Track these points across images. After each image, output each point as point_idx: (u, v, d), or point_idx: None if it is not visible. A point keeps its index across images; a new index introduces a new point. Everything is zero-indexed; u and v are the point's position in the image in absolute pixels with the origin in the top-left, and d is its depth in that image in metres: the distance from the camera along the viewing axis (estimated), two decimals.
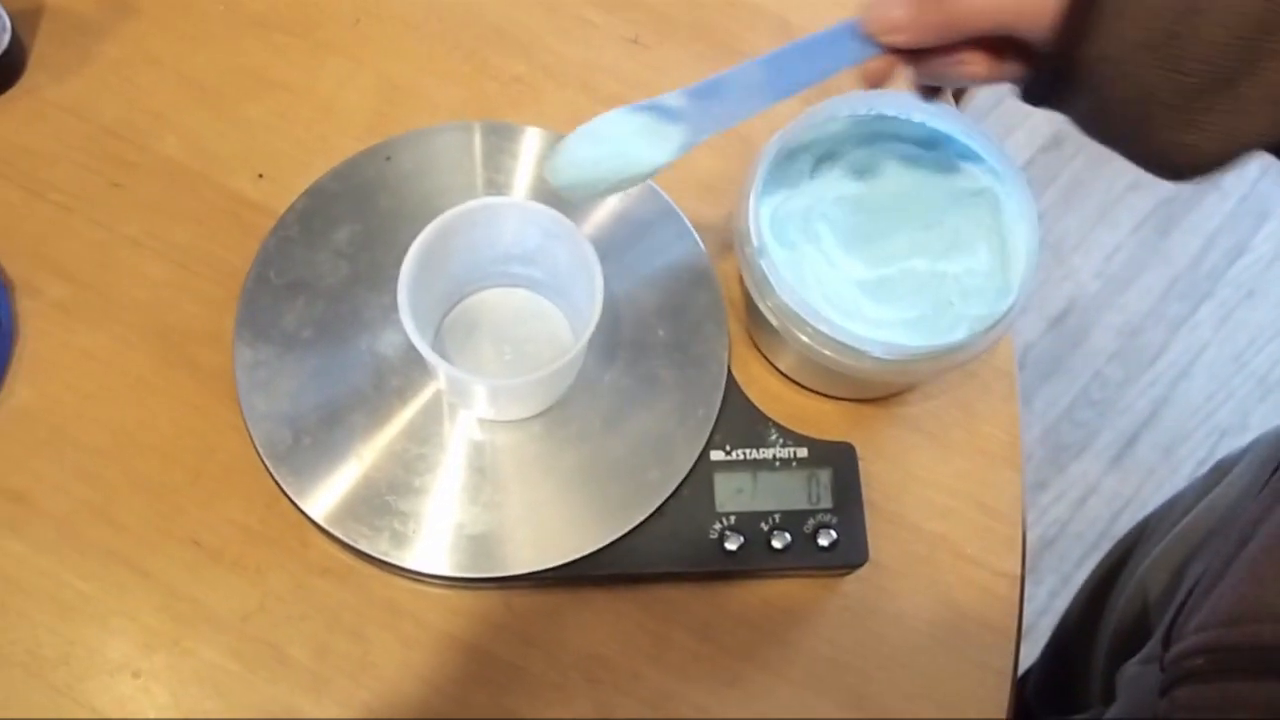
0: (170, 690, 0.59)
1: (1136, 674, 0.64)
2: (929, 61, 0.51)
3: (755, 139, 0.73)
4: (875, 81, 0.52)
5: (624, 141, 0.52)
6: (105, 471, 0.63)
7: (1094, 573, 0.91)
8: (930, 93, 0.57)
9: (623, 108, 0.52)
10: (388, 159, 0.68)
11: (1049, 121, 1.83)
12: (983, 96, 1.81)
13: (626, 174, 0.52)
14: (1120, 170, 1.72)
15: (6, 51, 0.70)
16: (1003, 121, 1.83)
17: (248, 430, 0.62)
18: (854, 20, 0.50)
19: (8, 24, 0.70)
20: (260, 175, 0.70)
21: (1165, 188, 1.73)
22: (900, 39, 0.50)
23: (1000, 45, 0.49)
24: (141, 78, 0.73)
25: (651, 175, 0.53)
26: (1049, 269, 1.72)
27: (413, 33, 0.76)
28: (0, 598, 0.60)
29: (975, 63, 0.50)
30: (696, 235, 0.68)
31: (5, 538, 0.61)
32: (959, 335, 0.60)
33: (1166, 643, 0.60)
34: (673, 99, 0.52)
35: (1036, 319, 1.70)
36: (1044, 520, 1.59)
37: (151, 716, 0.59)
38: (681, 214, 0.68)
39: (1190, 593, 0.61)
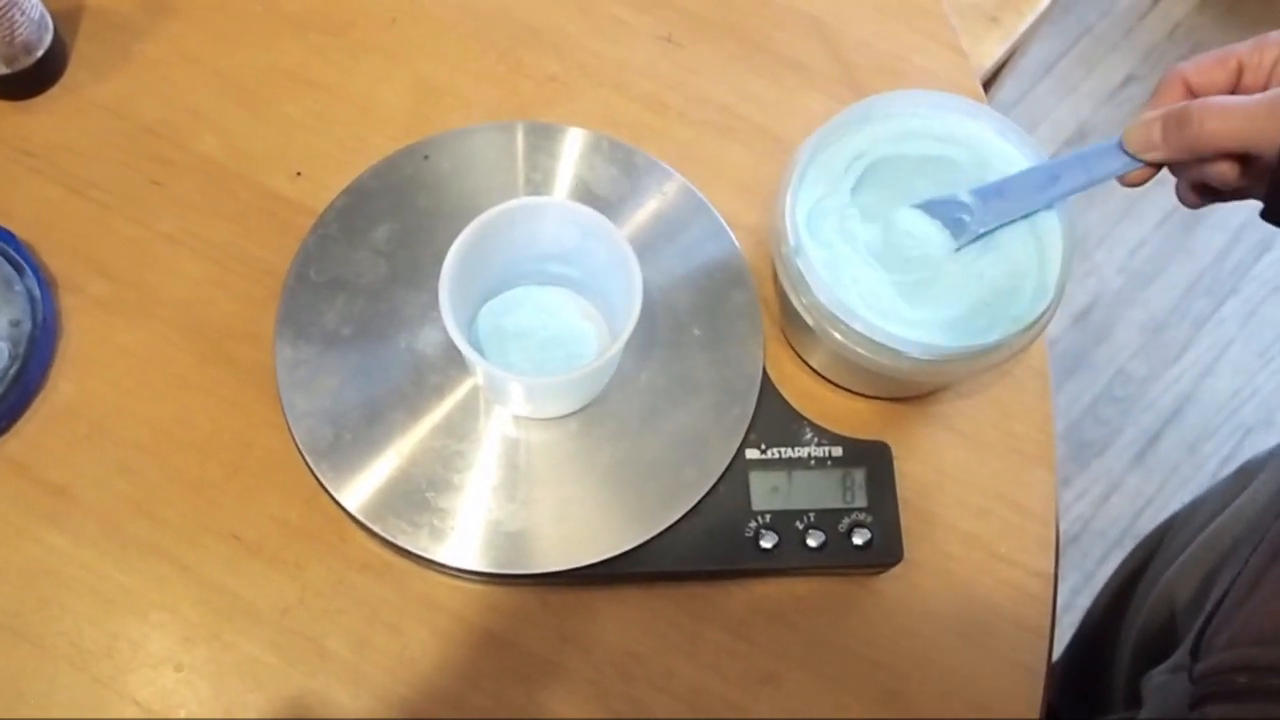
0: (211, 683, 0.60)
1: (1164, 683, 0.64)
2: (1185, 170, 0.59)
3: (789, 139, 0.74)
4: (1136, 183, 0.60)
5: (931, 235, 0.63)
6: (145, 466, 0.64)
7: (1116, 573, 0.91)
8: (1194, 196, 0.61)
9: (918, 205, 0.64)
10: (426, 158, 0.68)
11: (1073, 115, 1.83)
12: (1007, 90, 1.81)
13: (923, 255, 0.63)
14: None
15: (49, 50, 0.70)
16: (1027, 116, 1.82)
17: (287, 426, 0.62)
18: (1117, 140, 0.59)
19: (50, 23, 0.71)
20: (298, 174, 0.71)
21: None
22: (1155, 156, 0.57)
23: (1246, 158, 0.55)
24: (180, 77, 0.73)
25: (947, 256, 0.63)
26: None
27: (448, 32, 0.76)
28: (43, 591, 0.61)
29: (1226, 170, 0.55)
30: (732, 234, 0.68)
31: (48, 531, 0.62)
32: (995, 336, 0.60)
33: (1195, 653, 0.60)
34: (964, 196, 0.62)
35: (1060, 315, 1.70)
36: (1067, 517, 1.59)
37: (194, 709, 0.60)
38: (717, 213, 0.69)
39: (1219, 603, 0.61)
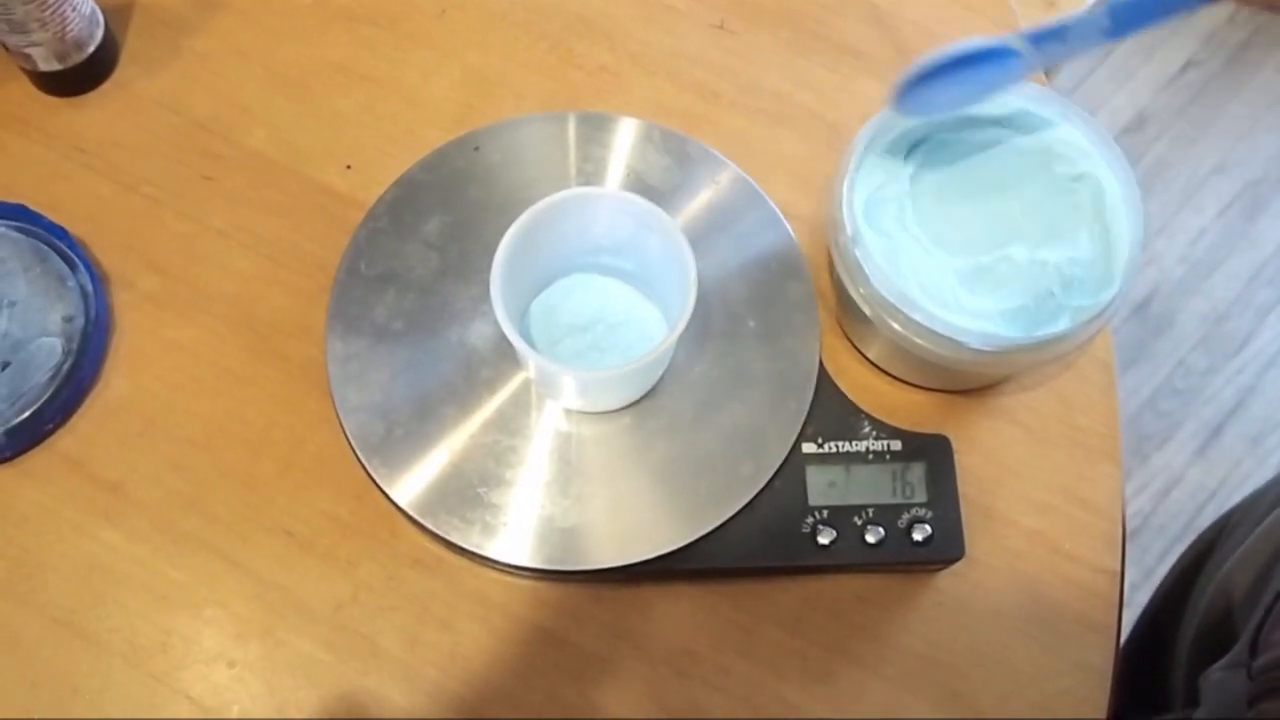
0: (264, 680, 0.60)
1: (1222, 679, 0.63)
2: None
3: (845, 126, 0.73)
4: None
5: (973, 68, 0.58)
6: (197, 462, 0.64)
7: (1175, 567, 0.89)
8: None
9: (971, 40, 0.58)
10: (476, 150, 0.68)
11: (1132, 102, 1.79)
12: (1063, 77, 1.78)
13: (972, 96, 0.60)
14: (1205, 152, 1.68)
15: (100, 46, 0.70)
16: (1085, 103, 1.79)
17: (339, 421, 0.62)
18: None
19: (101, 19, 0.71)
20: (348, 167, 0.71)
21: (1252, 170, 1.69)
22: None
23: None
24: (230, 71, 0.73)
25: (991, 96, 0.59)
26: None
27: (498, 23, 0.76)
28: (98, 587, 0.61)
29: None
30: (787, 224, 0.67)
31: (102, 527, 0.62)
32: (1060, 326, 0.59)
33: (1254, 649, 0.59)
34: (1015, 40, 0.57)
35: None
36: (1126, 512, 1.56)
37: (246, 705, 0.59)
38: (772, 203, 0.67)
39: (1278, 596, 0.59)
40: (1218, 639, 0.69)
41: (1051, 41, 0.57)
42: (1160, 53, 1.83)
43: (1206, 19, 1.86)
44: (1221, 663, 0.63)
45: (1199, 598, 0.77)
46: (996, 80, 0.60)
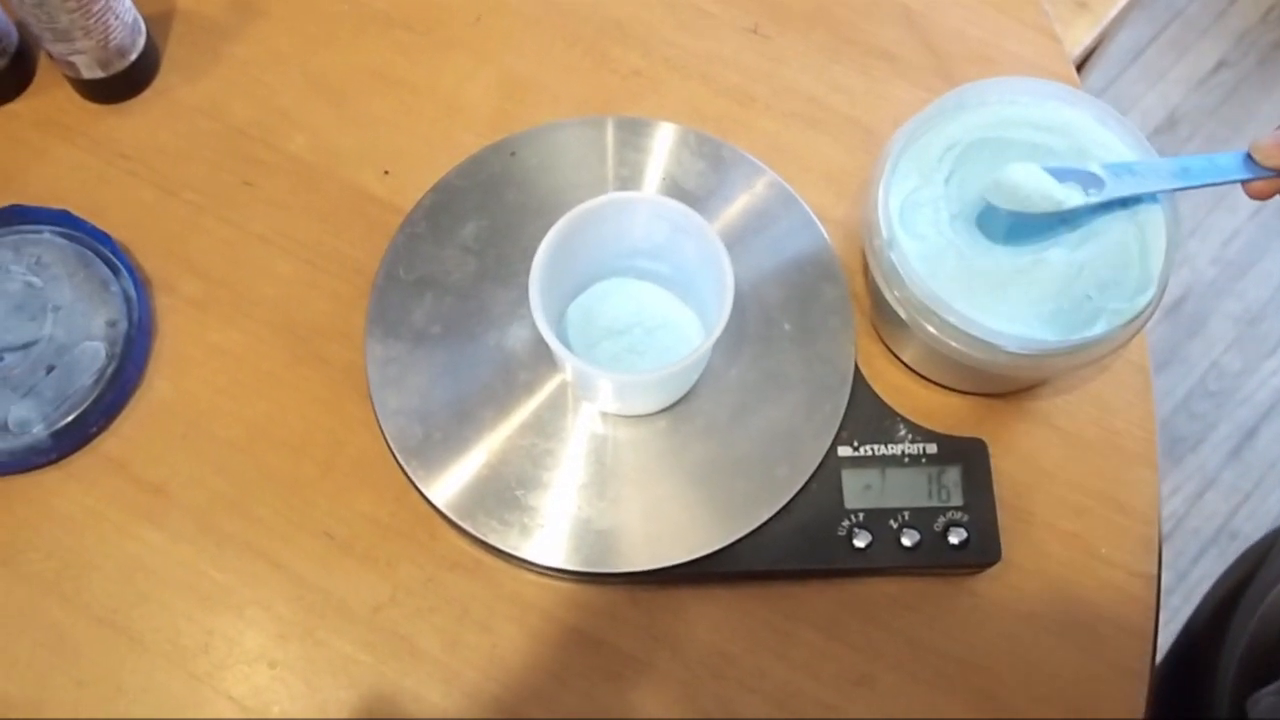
0: (305, 680, 0.61)
1: (1274, 705, 0.62)
2: None
3: (880, 130, 0.73)
4: (1260, 196, 0.60)
5: (1051, 184, 0.61)
6: (239, 464, 0.65)
7: (1219, 585, 0.88)
8: None
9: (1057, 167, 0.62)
10: (513, 154, 0.68)
11: (1163, 103, 1.78)
12: (1094, 78, 1.77)
13: (1047, 204, 0.61)
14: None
15: (142, 54, 0.71)
16: (1115, 103, 1.77)
17: (378, 424, 0.63)
18: (1247, 150, 0.59)
19: (143, 27, 0.72)
20: (386, 172, 0.71)
21: None
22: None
23: None
24: (270, 77, 0.74)
25: (1064, 208, 0.61)
26: None
27: (533, 28, 0.76)
28: (142, 588, 0.62)
29: None
30: (822, 228, 0.67)
31: (146, 529, 0.63)
32: (1096, 329, 0.59)
33: None
34: (1095, 167, 0.61)
35: None
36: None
37: (287, 706, 0.60)
38: (806, 206, 0.68)
39: None
40: (1268, 660, 0.68)
41: (1123, 173, 0.62)
42: (1192, 53, 1.82)
43: (1238, 18, 1.85)
44: (1272, 687, 0.63)
45: (1246, 617, 0.77)
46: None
